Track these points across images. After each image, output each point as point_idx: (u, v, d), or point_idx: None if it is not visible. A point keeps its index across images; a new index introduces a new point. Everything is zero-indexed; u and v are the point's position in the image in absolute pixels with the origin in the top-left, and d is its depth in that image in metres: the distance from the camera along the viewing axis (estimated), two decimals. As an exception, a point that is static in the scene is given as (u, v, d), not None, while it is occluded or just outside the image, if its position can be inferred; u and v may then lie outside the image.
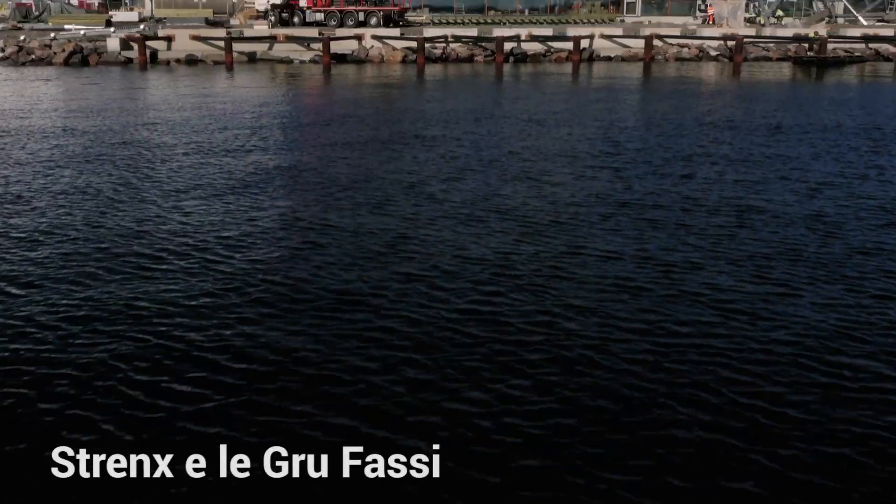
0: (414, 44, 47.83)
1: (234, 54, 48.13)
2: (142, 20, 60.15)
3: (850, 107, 29.29)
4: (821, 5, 64.00)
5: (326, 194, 15.56)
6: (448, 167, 18.02)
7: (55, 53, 47.78)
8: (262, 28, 51.97)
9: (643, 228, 13.06)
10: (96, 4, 74.76)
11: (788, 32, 53.36)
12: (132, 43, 48.30)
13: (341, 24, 52.99)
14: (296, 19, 53.94)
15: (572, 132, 23.02)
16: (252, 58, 49.06)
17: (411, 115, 27.40)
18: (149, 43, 48.74)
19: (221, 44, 47.69)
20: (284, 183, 16.64)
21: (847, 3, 63.01)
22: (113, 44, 48.58)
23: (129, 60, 47.96)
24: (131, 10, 67.71)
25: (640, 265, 11.25)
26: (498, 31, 50.59)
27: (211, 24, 54.94)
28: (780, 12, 60.79)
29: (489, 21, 57.57)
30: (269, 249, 12.03)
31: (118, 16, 63.99)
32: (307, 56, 48.76)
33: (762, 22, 57.74)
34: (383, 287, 10.39)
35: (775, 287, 10.44)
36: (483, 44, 49.50)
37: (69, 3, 69.78)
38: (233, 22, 64.66)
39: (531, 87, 38.21)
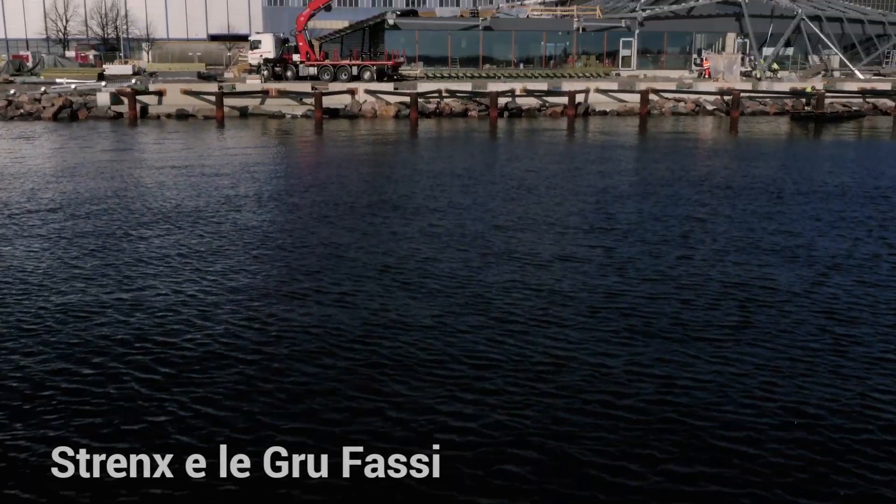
0: (407, 98, 46.91)
1: (226, 109, 47.28)
2: (136, 73, 59.49)
3: (852, 169, 28.03)
4: (816, 59, 63.41)
5: (291, 279, 14.15)
6: (428, 245, 16.63)
7: (44, 108, 46.87)
8: (254, 82, 51.15)
9: (635, 330, 11.59)
10: (91, 57, 74.44)
11: (785, 87, 52.49)
12: (122, 97, 47.43)
13: (335, 79, 52.20)
14: (289, 73, 53.19)
15: (563, 202, 21.69)
16: (244, 112, 48.16)
17: (398, 180, 26.16)
18: (140, 97, 47.90)
19: (213, 98, 46.79)
20: (247, 262, 15.25)
21: (843, 57, 62.45)
22: (103, 98, 47.68)
23: (119, 115, 47.05)
24: (125, 62, 67.20)
25: (631, 381, 9.76)
26: (492, 86, 49.74)
27: (203, 77, 54.16)
28: (775, 65, 60.12)
29: (484, 75, 56.80)
30: (219, 347, 10.59)
31: (111, 69, 63.44)
32: (299, 111, 47.84)
33: (758, 76, 57.00)
34: (340, 395, 8.95)
35: (786, 415, 8.95)
36: (477, 98, 48.58)
37: (63, 57, 69.33)
38: (227, 75, 64.15)
39: (525, 145, 37.06)
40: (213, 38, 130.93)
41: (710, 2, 62.06)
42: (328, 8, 55.49)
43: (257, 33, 58.70)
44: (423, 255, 15.78)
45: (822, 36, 61.86)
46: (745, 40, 63.33)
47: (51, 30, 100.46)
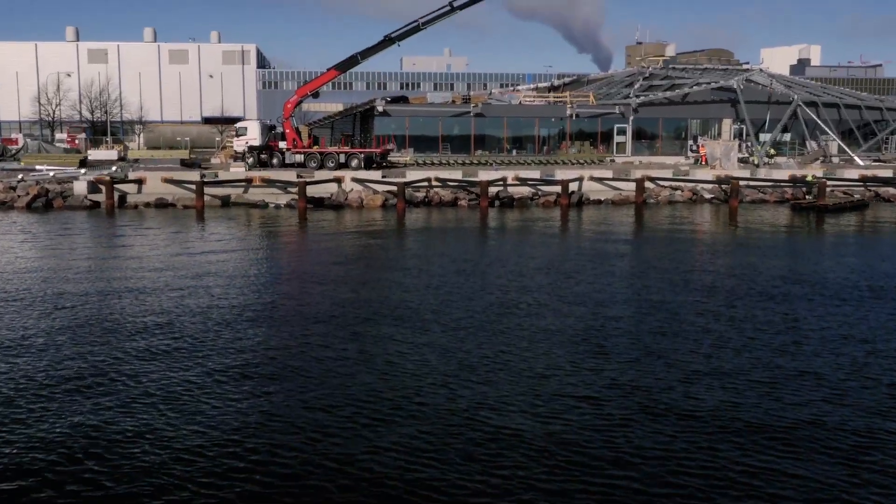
0: (395, 187, 45.66)
1: (207, 198, 46.05)
2: (120, 159, 58.45)
3: (860, 268, 26.43)
4: (814, 145, 62.77)
5: (276, 413, 12.28)
6: (402, 380, 14.80)
7: (18, 197, 45.58)
8: (238, 170, 50.00)
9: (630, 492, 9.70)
10: (79, 141, 73.77)
11: (784, 174, 51.49)
12: (100, 186, 46.19)
13: (321, 166, 51.13)
14: (275, 161, 52.15)
15: (554, 315, 19.95)
16: (226, 202, 46.88)
17: (375, 286, 24.47)
18: (119, 186, 46.69)
19: (194, 187, 45.55)
20: (222, 398, 13.38)
21: (841, 143, 61.81)
22: (80, 187, 46.44)
23: (96, 204, 45.74)
24: (111, 147, 66.37)
25: None
26: (483, 174, 48.64)
27: (188, 165, 53.07)
28: (772, 151, 59.35)
29: (475, 161, 55.87)
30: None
31: (95, 154, 62.49)
32: (283, 199, 46.57)
33: (756, 162, 56.09)
34: None
35: None
36: (468, 188, 47.39)
37: (49, 142, 68.52)
38: (214, 160, 63.22)
39: (516, 240, 35.52)
40: (207, 120, 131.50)
41: (704, 88, 61.72)
42: (316, 95, 54.90)
43: (243, 120, 58.04)
44: (396, 389, 13.93)
45: (819, 121, 61.32)
46: (742, 126, 62.76)
47: (42, 112, 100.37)
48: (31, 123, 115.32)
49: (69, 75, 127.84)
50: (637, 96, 62.29)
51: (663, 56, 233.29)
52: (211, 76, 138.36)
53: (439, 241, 35.18)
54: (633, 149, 61.72)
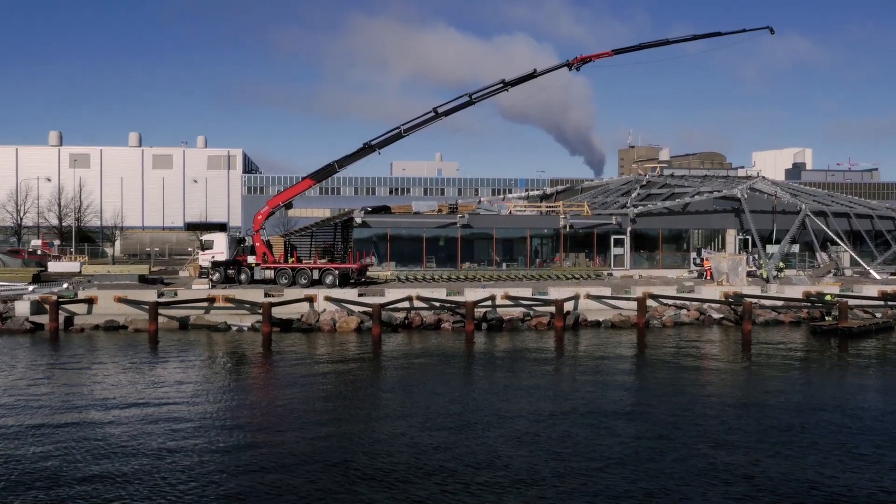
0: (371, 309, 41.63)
1: (164, 320, 42.00)
2: (78, 274, 54.51)
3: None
4: (825, 256, 59.38)
5: None
6: None
7: (-49, 320, 41.38)
8: (201, 287, 46.04)
9: None
10: (41, 250, 70.21)
11: (797, 291, 47.73)
12: (46, 306, 42.09)
13: (293, 283, 47.29)
14: (243, 277, 48.32)
15: (543, 487, 15.62)
16: (185, 324, 42.73)
17: (335, 438, 20.14)
18: (67, 306, 42.67)
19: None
20: None
21: (853, 254, 58.44)
22: (22, 308, 42.40)
23: (40, 327, 41.57)
24: (73, 259, 62.58)
25: None
26: (470, 292, 44.79)
27: (148, 281, 49.12)
28: (781, 264, 55.84)
29: (462, 277, 52.07)
30: None
31: (55, 266, 58.70)
32: (248, 321, 42.45)
33: (764, 275, 52.48)
34: None
35: None
36: (453, 308, 43.38)
37: (8, 253, 64.67)
38: (182, 273, 59.42)
39: (504, 375, 31.24)
40: (190, 226, 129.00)
41: (706, 197, 58.74)
42: (289, 206, 51.66)
43: (219, 227, 54.61)
44: None
45: (829, 232, 58.09)
46: (747, 237, 59.52)
47: (7, 220, 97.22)
48: (5, 229, 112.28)
49: (49, 180, 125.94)
50: (635, 206, 59.19)
51: (656, 159, 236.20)
52: (195, 181, 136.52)
53: (417, 376, 30.91)
54: (632, 261, 58.22)
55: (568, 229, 57.08)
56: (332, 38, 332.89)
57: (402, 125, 50.64)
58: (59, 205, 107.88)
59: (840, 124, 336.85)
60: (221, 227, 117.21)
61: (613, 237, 58.04)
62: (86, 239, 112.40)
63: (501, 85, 52.43)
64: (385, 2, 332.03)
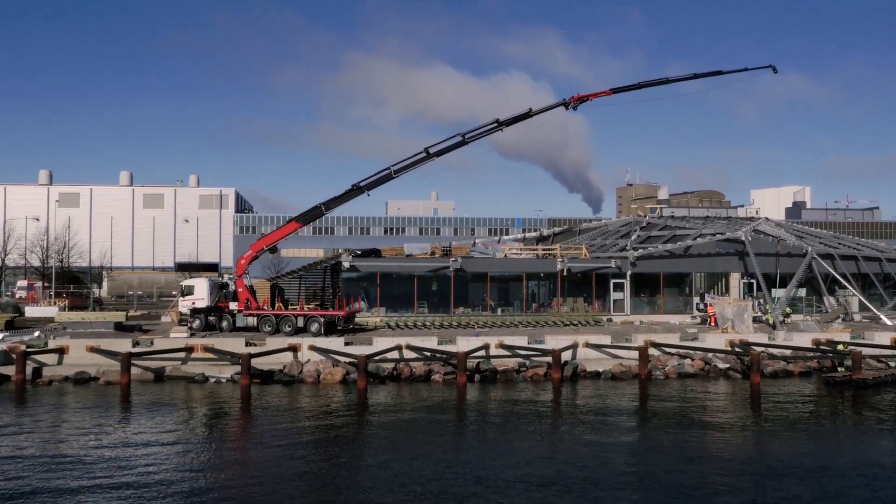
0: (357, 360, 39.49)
1: (138, 371, 39.91)
2: (47, 326, 52.26)
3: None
4: (833, 301, 57.41)
5: None
6: None
7: (-88, 373, 39.19)
8: (180, 335, 43.95)
9: None
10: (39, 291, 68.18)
11: (806, 339, 45.70)
12: (13, 356, 39.94)
13: (277, 331, 45.22)
14: (224, 324, 46.29)
15: None
16: (160, 375, 40.58)
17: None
18: (37, 356, 40.54)
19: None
20: None
21: (863, 298, 56.49)
22: (-13, 359, 40.21)
23: (6, 378, 39.39)
24: (53, 304, 60.46)
25: None
26: (462, 341, 42.74)
27: (125, 328, 46.97)
28: (788, 310, 53.84)
29: (454, 323, 49.98)
30: None
31: (32, 311, 56.60)
32: (228, 372, 40.28)
33: (771, 321, 50.47)
34: None
35: None
36: (444, 358, 41.26)
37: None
38: (164, 318, 57.34)
39: (494, 434, 29.06)
40: (181, 267, 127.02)
41: (709, 240, 56.94)
42: (273, 250, 49.74)
43: (199, 273, 52.56)
44: None
45: (836, 275, 56.17)
46: (751, 281, 57.62)
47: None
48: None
49: (37, 220, 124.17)
50: (634, 248, 57.35)
51: (655, 197, 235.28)
52: (186, 221, 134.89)
53: (402, 434, 28.77)
54: (632, 306, 56.19)
55: (566, 273, 55.12)
56: (330, 76, 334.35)
57: (393, 166, 48.97)
58: (46, 245, 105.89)
59: (838, 162, 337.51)
60: (213, 268, 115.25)
61: (613, 281, 56.09)
62: (74, 280, 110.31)
63: (495, 125, 50.91)
64: (382, 41, 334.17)
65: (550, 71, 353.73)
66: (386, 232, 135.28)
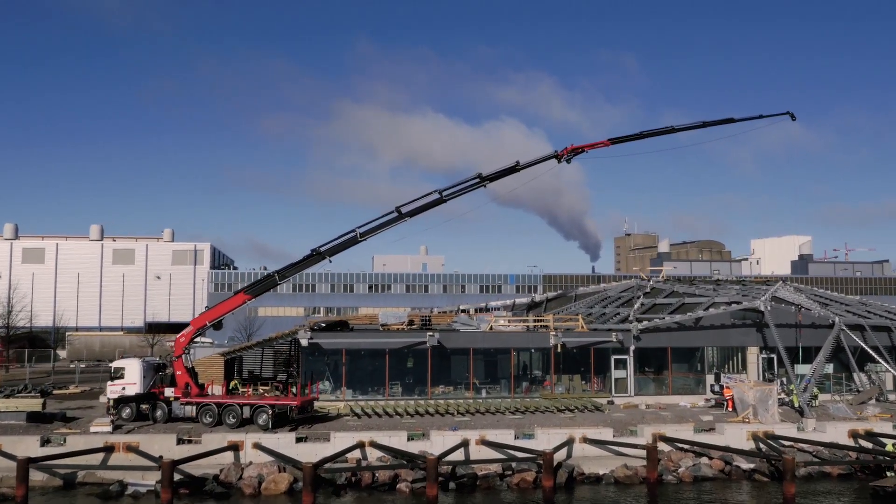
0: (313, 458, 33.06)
1: (44, 477, 33.62)
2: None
3: None
4: (865, 378, 51.17)
5: None
6: None
7: None
8: (101, 429, 37.47)
9: None
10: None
11: (841, 430, 39.57)
12: None
13: (219, 422, 38.84)
14: (159, 413, 39.90)
15: None
16: (70, 481, 34.19)
17: None
18: (-76, 459, 34.09)
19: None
20: None
21: (897, 375, 50.30)
22: None
23: None
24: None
25: None
26: (437, 435, 36.61)
27: (42, 419, 40.42)
28: (816, 391, 47.60)
29: (429, 410, 43.54)
30: None
31: (-50, 393, 49.92)
32: (152, 479, 33.79)
33: (797, 404, 44.18)
34: None
35: None
36: (413, 461, 34.83)
37: None
38: (102, 399, 50.74)
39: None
40: (151, 327, 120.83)
41: (722, 310, 50.82)
42: (218, 326, 43.48)
43: (122, 358, 46.22)
44: None
45: (867, 349, 50.01)
46: (771, 356, 51.44)
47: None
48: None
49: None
50: (638, 319, 51.19)
51: (653, 247, 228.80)
52: (158, 277, 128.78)
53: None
54: (637, 386, 49.81)
55: (560, 349, 48.87)
56: (319, 123, 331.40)
57: (360, 227, 43.12)
58: (9, 305, 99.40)
59: (835, 209, 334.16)
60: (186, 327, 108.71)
61: (614, 357, 49.78)
62: (37, 342, 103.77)
63: (478, 180, 45.29)
64: (372, 88, 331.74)
65: (545, 118, 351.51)
66: (371, 289, 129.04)
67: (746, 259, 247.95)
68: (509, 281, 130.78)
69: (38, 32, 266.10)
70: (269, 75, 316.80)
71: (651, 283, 59.84)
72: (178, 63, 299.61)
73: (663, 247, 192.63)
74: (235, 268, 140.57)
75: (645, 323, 50.14)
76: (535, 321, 52.18)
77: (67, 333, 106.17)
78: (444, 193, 44.25)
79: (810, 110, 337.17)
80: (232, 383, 45.50)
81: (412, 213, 43.56)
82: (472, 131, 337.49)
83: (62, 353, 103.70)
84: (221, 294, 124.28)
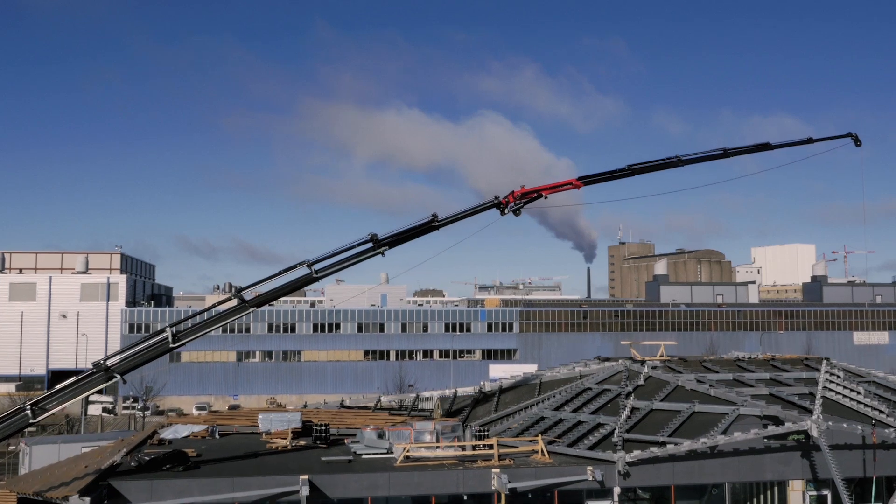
0: None
1: None
2: None
3: None
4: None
5: None
6: None
7: None
8: None
9: None
10: None
11: None
12: None
13: None
14: None
15: None
16: None
17: None
18: None
19: None
20: None
21: None
22: None
23: None
24: None
25: None
26: None
27: None
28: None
29: None
30: None
31: None
32: None
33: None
34: None
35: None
36: None
37: None
38: None
39: None
40: (56, 375, 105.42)
41: (753, 436, 34.87)
42: None
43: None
44: None
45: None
46: (823, 493, 35.84)
47: None
48: None
49: None
50: (626, 442, 35.39)
51: (649, 256, 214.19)
52: (64, 316, 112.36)
53: None
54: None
55: (505, 494, 32.96)
56: (284, 120, 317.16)
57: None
58: None
59: (834, 209, 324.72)
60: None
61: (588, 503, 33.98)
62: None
63: (372, 245, 29.73)
64: (337, 79, 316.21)
65: (530, 110, 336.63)
66: (316, 329, 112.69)
67: (749, 269, 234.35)
68: (480, 317, 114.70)
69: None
70: (225, 66, 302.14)
71: (646, 371, 43.74)
72: (122, 54, 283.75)
73: (660, 267, 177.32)
74: (149, 306, 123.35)
75: (636, 453, 34.11)
76: (473, 449, 36.13)
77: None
78: (381, 241, 29.43)
79: (807, 104, 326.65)
80: None
81: (327, 269, 29.15)
82: (453, 127, 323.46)
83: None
84: (137, 336, 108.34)
